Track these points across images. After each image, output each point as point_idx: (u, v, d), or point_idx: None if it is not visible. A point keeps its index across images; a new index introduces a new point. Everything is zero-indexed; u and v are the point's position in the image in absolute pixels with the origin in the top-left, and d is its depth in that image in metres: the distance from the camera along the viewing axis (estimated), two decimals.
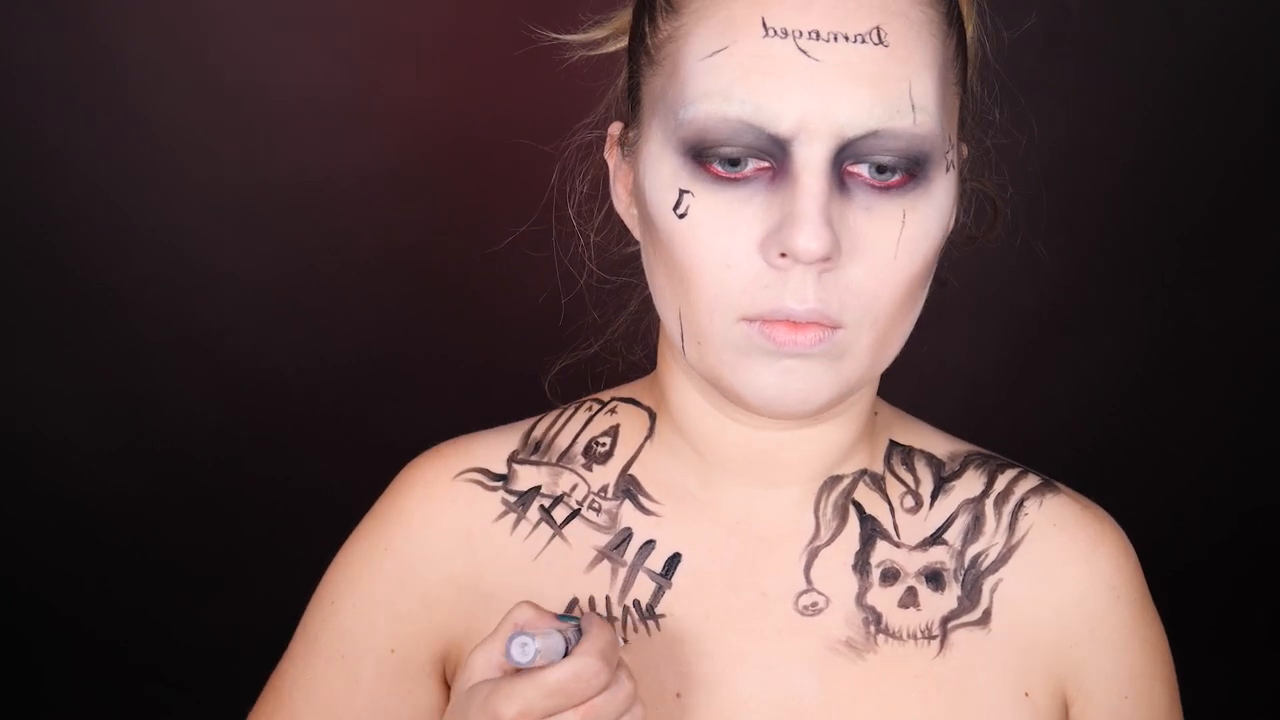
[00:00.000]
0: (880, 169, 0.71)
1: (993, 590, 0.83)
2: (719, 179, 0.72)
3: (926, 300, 0.79)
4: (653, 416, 0.87)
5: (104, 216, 1.88)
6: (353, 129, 1.87)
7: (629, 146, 0.80)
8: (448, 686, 0.86)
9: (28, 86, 1.82)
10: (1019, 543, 0.85)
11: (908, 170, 0.72)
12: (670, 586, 0.82)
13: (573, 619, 0.72)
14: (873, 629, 0.82)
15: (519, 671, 0.68)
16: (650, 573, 0.83)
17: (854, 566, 0.83)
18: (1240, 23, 1.90)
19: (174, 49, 1.83)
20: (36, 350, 1.92)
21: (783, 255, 0.70)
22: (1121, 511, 0.91)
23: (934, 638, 0.82)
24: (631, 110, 0.80)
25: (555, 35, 0.85)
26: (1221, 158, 1.96)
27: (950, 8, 0.75)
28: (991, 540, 0.85)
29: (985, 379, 2.01)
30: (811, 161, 0.70)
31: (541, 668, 0.67)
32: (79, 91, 1.82)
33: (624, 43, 0.83)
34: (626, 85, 0.81)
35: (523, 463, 0.87)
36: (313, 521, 1.77)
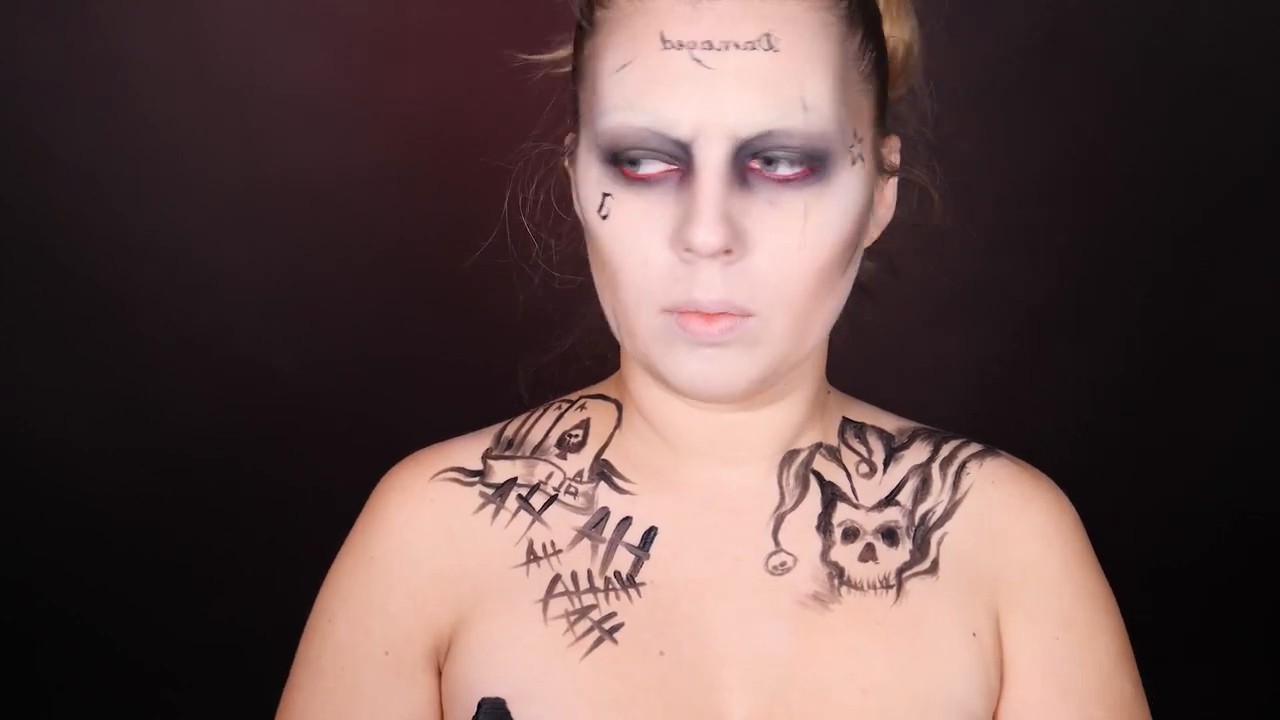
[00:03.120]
0: (777, 164, 0.77)
1: (939, 543, 0.90)
2: (633, 181, 0.78)
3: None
4: (619, 408, 0.93)
5: (104, 216, 1.88)
6: (353, 129, 1.88)
7: (572, 155, 0.86)
8: (440, 676, 0.90)
9: (28, 86, 1.82)
10: (961, 499, 0.92)
11: (807, 165, 0.77)
12: (648, 558, 0.88)
13: None
14: (836, 582, 0.88)
15: None
16: (629, 546, 0.88)
17: (817, 528, 0.89)
18: (1240, 26, 1.90)
19: (174, 49, 1.83)
20: (37, 350, 1.92)
21: (688, 249, 0.76)
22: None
23: (890, 587, 0.88)
24: (573, 122, 0.86)
25: (525, 56, 0.91)
26: (1221, 158, 1.96)
27: (851, 10, 0.80)
28: (938, 499, 0.91)
29: (981, 377, 2.01)
30: (709, 161, 0.76)
31: None
32: (79, 91, 1.83)
33: None
34: (571, 100, 0.87)
35: (498, 458, 0.92)
36: (313, 521, 1.77)
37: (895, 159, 0.87)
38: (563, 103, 0.90)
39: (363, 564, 0.90)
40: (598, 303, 0.93)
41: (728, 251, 0.76)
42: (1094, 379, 2.05)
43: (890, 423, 0.95)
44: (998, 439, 0.96)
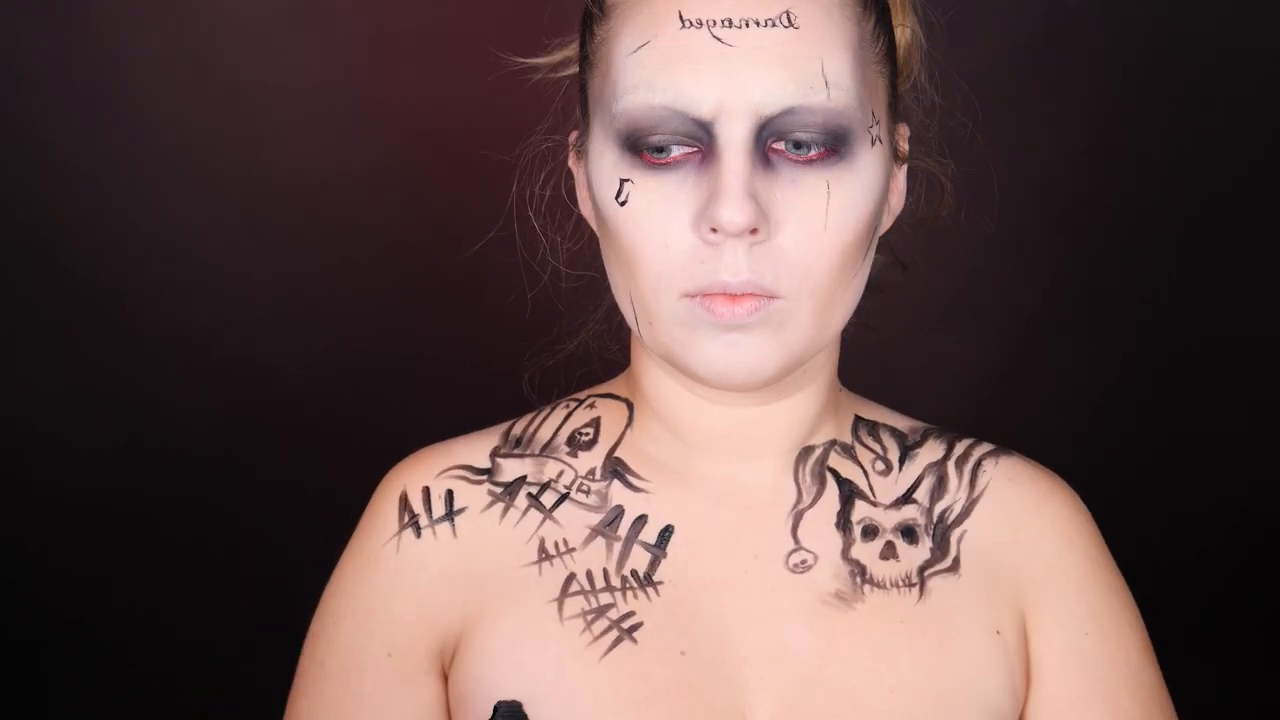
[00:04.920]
0: (798, 145, 0.76)
1: (959, 540, 0.89)
2: (652, 165, 0.77)
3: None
4: (630, 406, 0.91)
5: (105, 216, 1.88)
6: (353, 128, 1.88)
7: (581, 149, 0.85)
8: (447, 678, 0.87)
9: (28, 86, 1.82)
10: (979, 496, 0.91)
11: (828, 145, 0.77)
12: (665, 556, 0.86)
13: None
14: (859, 579, 0.87)
15: None
16: (645, 544, 0.87)
17: (837, 525, 0.88)
18: (1239, 24, 1.90)
19: (174, 48, 1.83)
20: (36, 350, 1.92)
21: (713, 230, 0.75)
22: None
23: (913, 585, 0.87)
24: (582, 114, 0.85)
25: (521, 60, 0.91)
26: (1221, 154, 1.96)
27: None
28: (955, 496, 0.91)
29: (982, 378, 2.01)
30: (733, 140, 0.75)
31: None
32: (79, 91, 1.83)
33: None
34: (580, 93, 0.86)
35: (506, 456, 0.91)
36: (313, 520, 1.77)
37: (906, 147, 0.87)
38: (567, 100, 0.90)
39: (366, 565, 0.88)
40: (604, 303, 0.94)
41: (754, 231, 0.75)
42: (1094, 379, 2.05)
43: (902, 422, 0.94)
44: (997, 440, 0.96)
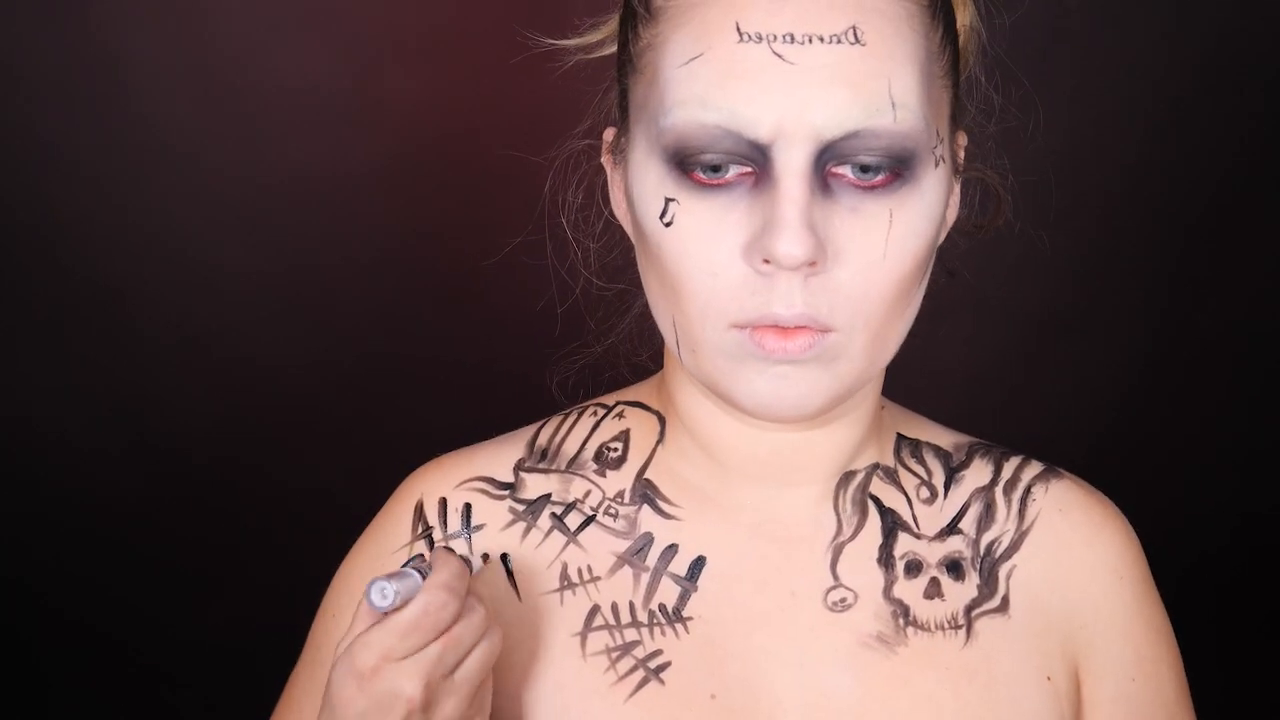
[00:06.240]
0: (864, 169, 0.71)
1: (1008, 577, 0.85)
2: (702, 186, 0.71)
3: (926, 296, 0.79)
4: (662, 420, 0.86)
5: (104, 216, 1.88)
6: (353, 128, 1.88)
7: (619, 153, 0.80)
8: None
9: (28, 86, 1.82)
10: (1029, 528, 0.86)
11: (892, 169, 0.71)
12: (696, 590, 0.82)
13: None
14: (902, 622, 0.82)
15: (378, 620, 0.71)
16: (674, 577, 0.82)
17: (878, 560, 0.83)
18: (1240, 22, 1.90)
19: (174, 48, 1.83)
20: (36, 350, 1.92)
21: (766, 261, 0.70)
22: (1122, 511, 0.91)
23: (960, 627, 0.83)
24: (621, 117, 0.80)
25: (551, 40, 0.85)
26: (1221, 156, 1.96)
27: (934, 1, 0.74)
28: (1004, 527, 0.86)
29: (985, 378, 2.01)
30: (791, 166, 0.69)
31: (395, 610, 0.70)
32: (79, 91, 1.83)
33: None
34: (617, 91, 0.81)
35: (530, 470, 0.86)
36: (313, 520, 1.77)
37: (962, 156, 0.81)
38: (607, 104, 0.85)
39: (376, 567, 0.85)
40: (634, 308, 0.89)
41: (812, 264, 0.70)
42: (1096, 380, 2.05)
43: (946, 438, 0.90)
44: (1003, 442, 0.94)
